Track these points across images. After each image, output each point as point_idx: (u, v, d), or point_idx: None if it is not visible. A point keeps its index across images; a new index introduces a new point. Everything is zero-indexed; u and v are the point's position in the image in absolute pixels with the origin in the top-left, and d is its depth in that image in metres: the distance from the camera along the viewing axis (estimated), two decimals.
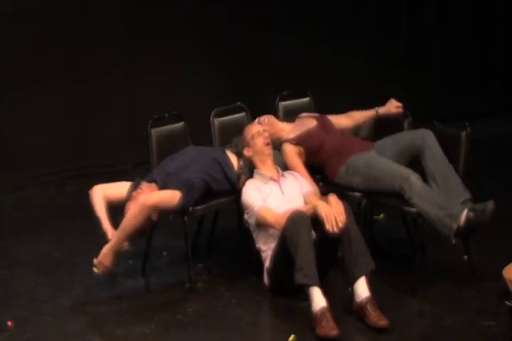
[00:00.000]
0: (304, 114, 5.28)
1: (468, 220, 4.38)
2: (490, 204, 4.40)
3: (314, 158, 4.95)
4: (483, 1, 8.75)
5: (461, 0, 8.63)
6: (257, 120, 5.14)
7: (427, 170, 4.69)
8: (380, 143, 4.96)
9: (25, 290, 4.73)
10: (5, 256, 5.27)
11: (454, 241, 4.43)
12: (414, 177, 4.56)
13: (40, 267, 5.07)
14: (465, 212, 4.39)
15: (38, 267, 5.07)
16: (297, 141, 4.98)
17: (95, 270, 4.55)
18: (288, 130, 5.11)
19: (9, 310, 4.46)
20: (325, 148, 4.92)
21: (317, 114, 5.25)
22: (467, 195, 4.57)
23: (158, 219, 4.68)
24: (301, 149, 4.98)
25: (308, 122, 5.12)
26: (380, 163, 4.75)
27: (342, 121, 5.18)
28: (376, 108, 5.12)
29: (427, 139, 4.73)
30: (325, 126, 5.06)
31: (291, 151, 4.98)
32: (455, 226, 4.39)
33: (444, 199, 4.49)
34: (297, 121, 5.20)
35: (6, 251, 5.36)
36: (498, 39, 8.83)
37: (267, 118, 5.11)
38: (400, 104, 5.06)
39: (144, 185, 4.71)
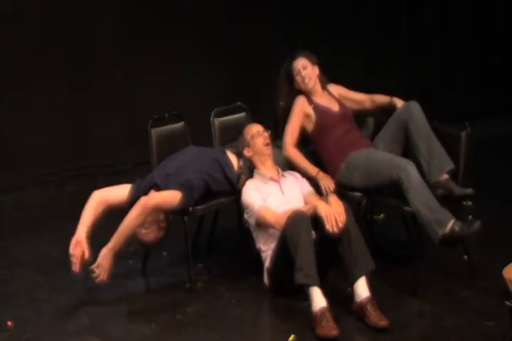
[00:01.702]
0: (341, 89, 5.16)
1: (453, 231, 4.39)
2: (477, 224, 4.40)
3: (316, 139, 4.93)
4: (483, 1, 8.75)
5: (461, 0, 8.63)
6: (300, 63, 5.00)
7: (412, 141, 4.72)
8: (380, 132, 4.98)
9: (25, 290, 4.73)
10: (5, 256, 5.27)
11: (438, 246, 4.45)
12: (412, 169, 4.55)
13: (40, 267, 5.07)
14: (451, 223, 4.39)
15: (38, 267, 5.07)
16: (315, 107, 4.96)
17: (95, 271, 4.54)
18: (319, 94, 5.04)
19: (9, 310, 4.46)
20: (331, 136, 4.90)
21: (346, 92, 5.16)
22: (450, 165, 4.60)
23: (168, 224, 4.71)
24: (312, 114, 4.95)
25: (333, 103, 5.04)
26: (378, 155, 4.76)
27: (365, 101, 5.12)
28: (391, 98, 5.05)
29: (412, 111, 4.76)
30: (345, 116, 5.01)
31: (301, 106, 4.96)
32: (441, 233, 4.40)
33: (438, 203, 4.49)
34: (327, 92, 5.11)
35: (6, 251, 5.37)
36: (498, 39, 8.83)
37: (308, 77, 4.98)
38: None
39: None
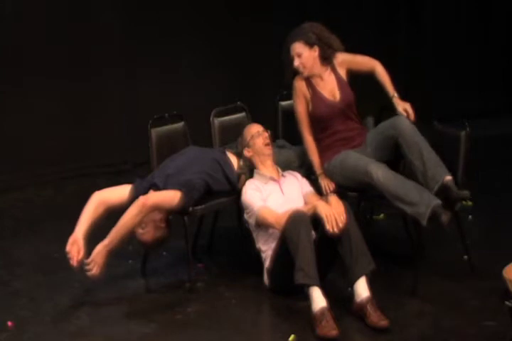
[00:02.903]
0: (346, 58, 4.99)
1: (434, 214, 4.38)
2: (445, 216, 4.41)
3: (314, 123, 4.87)
4: (483, 1, 8.75)
5: (461, 0, 8.63)
6: (296, 50, 4.78)
7: (404, 154, 4.63)
8: (368, 135, 4.91)
9: (25, 290, 4.73)
10: (5, 256, 5.27)
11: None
12: (373, 171, 4.51)
13: (40, 267, 5.07)
14: (430, 210, 4.38)
15: (38, 267, 5.07)
16: (312, 95, 4.85)
17: (88, 265, 4.51)
18: (320, 77, 4.88)
19: (9, 310, 4.46)
20: (326, 129, 4.85)
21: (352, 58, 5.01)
22: (445, 175, 4.51)
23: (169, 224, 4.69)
24: (309, 99, 4.86)
25: (334, 88, 4.89)
26: (349, 161, 4.71)
27: (366, 71, 4.97)
28: (393, 95, 4.87)
29: (398, 127, 4.64)
30: (344, 108, 4.86)
31: (300, 89, 4.87)
32: (424, 222, 4.41)
33: (414, 192, 4.47)
34: (330, 70, 4.92)
35: (6, 251, 5.36)
36: (498, 39, 8.83)
37: (302, 66, 4.82)
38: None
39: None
